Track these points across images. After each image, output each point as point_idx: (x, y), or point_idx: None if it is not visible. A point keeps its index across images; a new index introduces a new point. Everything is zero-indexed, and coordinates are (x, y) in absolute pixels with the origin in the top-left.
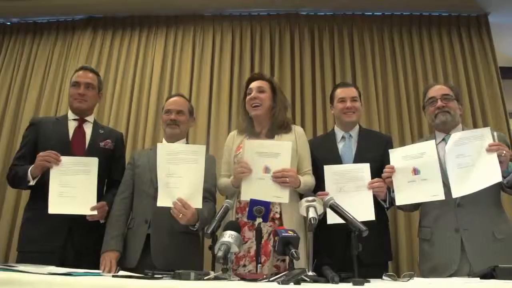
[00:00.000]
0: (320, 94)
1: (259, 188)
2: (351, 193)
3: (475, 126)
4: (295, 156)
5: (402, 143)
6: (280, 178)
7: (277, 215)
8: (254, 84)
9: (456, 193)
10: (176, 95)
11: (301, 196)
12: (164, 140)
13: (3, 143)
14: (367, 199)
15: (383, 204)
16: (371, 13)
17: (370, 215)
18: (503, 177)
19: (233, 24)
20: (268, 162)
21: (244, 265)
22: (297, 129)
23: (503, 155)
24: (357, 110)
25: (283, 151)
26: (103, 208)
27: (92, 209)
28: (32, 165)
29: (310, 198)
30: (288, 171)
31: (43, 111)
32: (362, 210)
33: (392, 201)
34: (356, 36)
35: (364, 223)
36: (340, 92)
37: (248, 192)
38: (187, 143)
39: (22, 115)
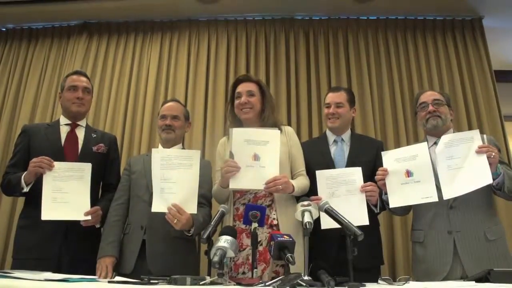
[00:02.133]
0: (315, 98)
1: (248, 175)
2: (344, 198)
3: (470, 129)
4: (288, 158)
5: (398, 148)
6: (272, 188)
7: (275, 221)
8: (242, 88)
9: (447, 194)
10: (172, 100)
11: (298, 200)
12: (160, 145)
13: None
14: (360, 203)
15: (374, 209)
16: (366, 17)
17: (364, 220)
18: (492, 179)
19: (228, 29)
20: (257, 150)
21: (244, 272)
22: (287, 129)
23: (492, 157)
24: (341, 116)
25: (271, 139)
26: (96, 213)
27: (86, 214)
28: (25, 172)
29: (305, 203)
30: (280, 179)
31: (39, 117)
32: (356, 215)
33: (382, 206)
34: (351, 40)
35: (357, 227)
36: (327, 97)
37: (238, 181)
38: (183, 148)
39: (18, 121)
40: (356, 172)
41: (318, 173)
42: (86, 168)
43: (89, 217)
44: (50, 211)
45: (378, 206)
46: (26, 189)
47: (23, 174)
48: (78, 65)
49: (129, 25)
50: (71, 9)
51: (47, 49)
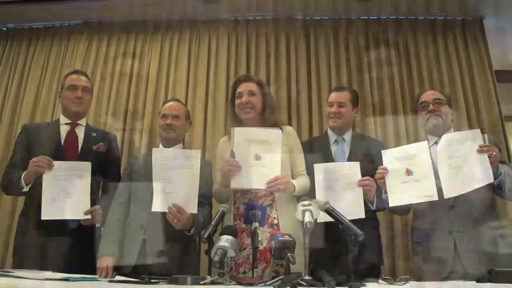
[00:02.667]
0: (316, 98)
1: (250, 175)
2: (341, 191)
3: (471, 129)
4: (288, 158)
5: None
6: (273, 187)
7: (275, 221)
8: (243, 87)
9: (448, 193)
10: (173, 99)
11: (298, 200)
12: (160, 145)
13: None
14: (356, 197)
15: (370, 206)
16: (366, 17)
17: (360, 213)
18: (493, 178)
19: (228, 29)
20: (258, 150)
21: (244, 272)
22: (287, 129)
23: (493, 156)
24: (342, 115)
25: (273, 138)
26: (96, 212)
27: (86, 213)
28: (25, 171)
29: (306, 203)
30: (281, 178)
31: (39, 117)
32: (352, 208)
33: (380, 204)
34: (352, 40)
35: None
36: (330, 96)
37: (239, 180)
38: (184, 147)
39: (18, 121)
40: (354, 166)
41: (316, 166)
42: (85, 167)
43: (89, 216)
44: (50, 210)
45: (374, 203)
46: (25, 189)
47: (23, 174)
48: (79, 64)
49: (129, 25)
50: (71, 8)
51: (47, 49)
